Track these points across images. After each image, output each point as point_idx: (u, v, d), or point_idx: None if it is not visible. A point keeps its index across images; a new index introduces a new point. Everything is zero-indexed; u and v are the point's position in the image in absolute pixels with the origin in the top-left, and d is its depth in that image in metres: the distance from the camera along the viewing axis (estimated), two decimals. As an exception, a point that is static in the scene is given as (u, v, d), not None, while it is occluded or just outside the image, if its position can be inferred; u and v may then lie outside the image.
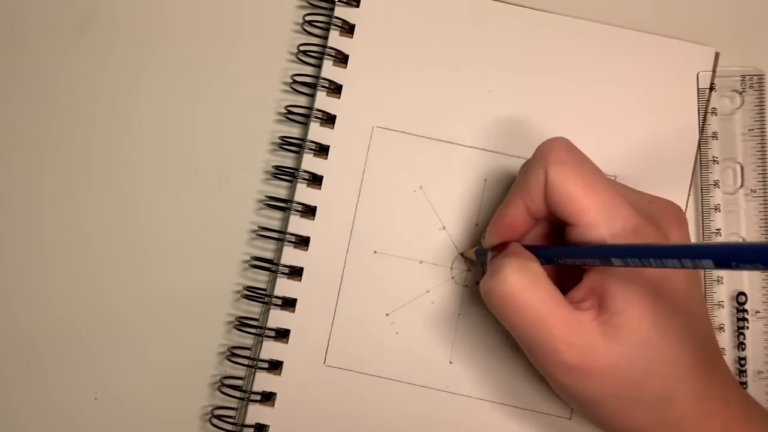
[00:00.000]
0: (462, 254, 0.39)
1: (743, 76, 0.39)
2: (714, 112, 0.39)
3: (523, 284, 0.30)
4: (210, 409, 0.40)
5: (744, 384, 0.38)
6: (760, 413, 0.32)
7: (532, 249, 0.33)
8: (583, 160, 0.31)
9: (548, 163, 0.31)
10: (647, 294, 0.29)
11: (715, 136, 0.39)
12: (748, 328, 0.38)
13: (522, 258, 0.31)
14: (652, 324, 0.29)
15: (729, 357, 0.38)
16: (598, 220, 0.30)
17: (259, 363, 0.39)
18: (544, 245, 0.34)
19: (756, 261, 0.22)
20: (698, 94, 0.39)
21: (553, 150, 0.31)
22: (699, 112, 0.39)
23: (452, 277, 0.39)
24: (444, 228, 0.40)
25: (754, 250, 0.22)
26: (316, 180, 0.40)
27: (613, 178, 0.39)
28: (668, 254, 0.25)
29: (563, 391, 0.32)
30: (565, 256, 0.31)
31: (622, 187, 0.32)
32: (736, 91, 0.39)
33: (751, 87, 0.39)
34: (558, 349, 0.29)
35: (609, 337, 0.29)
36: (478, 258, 0.38)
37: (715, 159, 0.39)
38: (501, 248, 0.33)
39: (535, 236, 0.35)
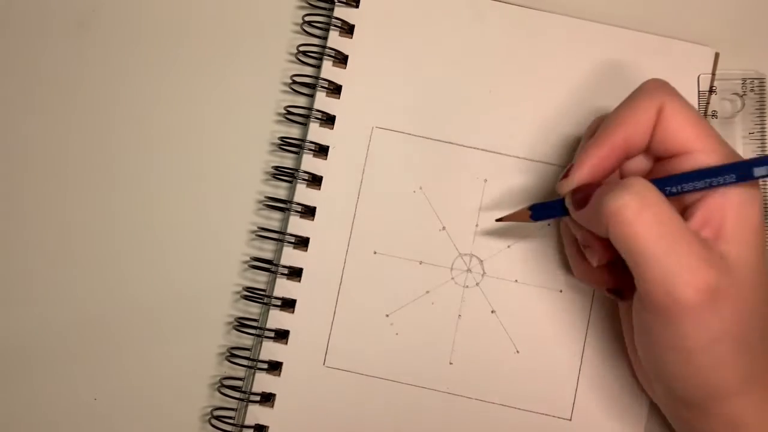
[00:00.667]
0: (501, 219, 0.37)
1: (744, 80, 0.39)
2: (714, 114, 0.39)
3: (659, 198, 0.29)
4: (210, 409, 0.40)
5: None
6: None
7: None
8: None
9: (665, 94, 0.31)
10: (757, 225, 0.30)
11: (715, 138, 0.39)
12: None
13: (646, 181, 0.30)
14: (760, 256, 0.30)
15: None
16: (716, 144, 0.31)
17: (259, 364, 0.39)
18: (658, 178, 0.32)
19: None
20: (698, 96, 0.39)
21: (667, 84, 0.32)
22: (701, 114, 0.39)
23: (452, 278, 0.39)
24: (444, 228, 0.40)
25: None
26: (315, 180, 0.40)
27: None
28: None
29: (678, 328, 0.30)
30: (694, 179, 0.30)
31: None
32: (736, 94, 0.39)
33: (751, 90, 0.39)
34: (695, 266, 0.28)
35: (732, 264, 0.29)
36: (537, 216, 0.35)
37: (715, 161, 0.39)
38: (585, 191, 0.32)
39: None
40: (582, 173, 0.32)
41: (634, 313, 0.32)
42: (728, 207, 0.30)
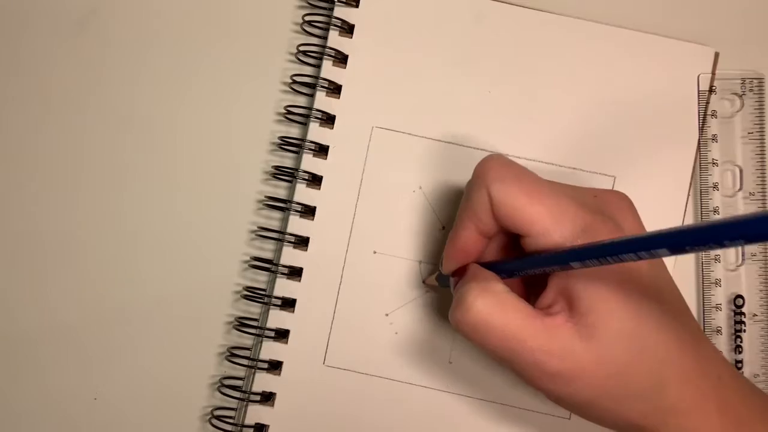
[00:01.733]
0: (424, 282, 0.40)
1: (743, 80, 0.39)
2: (714, 114, 0.39)
3: (489, 308, 0.30)
4: (210, 409, 0.40)
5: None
6: (753, 388, 0.32)
7: (492, 266, 0.32)
8: (521, 171, 0.32)
9: (489, 183, 0.31)
10: (613, 287, 0.29)
11: (714, 138, 0.39)
12: (745, 331, 0.38)
13: (483, 281, 0.31)
14: (624, 315, 0.29)
15: (726, 359, 0.38)
16: (548, 227, 0.30)
17: (259, 363, 0.39)
18: (503, 259, 0.34)
19: (708, 241, 0.22)
20: (698, 95, 0.39)
21: (491, 169, 0.31)
22: (699, 114, 0.39)
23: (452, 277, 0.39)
24: (444, 228, 0.40)
25: (705, 231, 0.22)
26: (315, 180, 0.40)
27: (611, 178, 0.39)
28: (623, 249, 0.25)
29: (556, 399, 0.32)
30: (525, 267, 0.31)
31: (565, 188, 0.32)
32: (736, 94, 0.39)
33: (750, 90, 0.39)
34: (538, 360, 0.30)
35: (585, 337, 0.29)
36: (441, 283, 0.38)
37: (715, 161, 0.39)
38: (461, 271, 0.33)
39: (494, 250, 0.34)
40: (449, 266, 0.34)
41: None
42: (575, 280, 0.30)
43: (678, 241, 0.23)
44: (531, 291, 0.33)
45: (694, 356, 0.30)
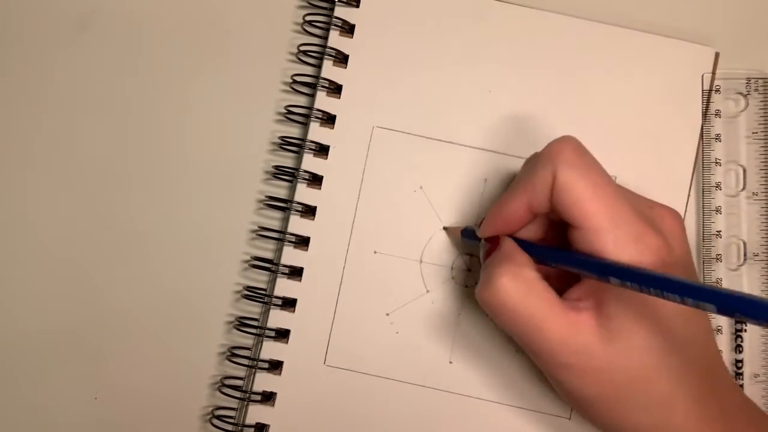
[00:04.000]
0: (445, 228, 0.39)
1: (748, 79, 0.39)
2: (718, 114, 0.39)
3: (518, 294, 0.30)
4: (210, 409, 0.40)
5: (740, 387, 0.38)
6: (763, 419, 0.32)
7: (528, 246, 0.32)
8: (592, 162, 0.31)
9: (557, 165, 0.30)
10: (645, 300, 0.29)
11: (718, 137, 0.39)
12: (745, 330, 0.38)
13: (515, 264, 0.31)
14: (650, 330, 0.29)
15: (726, 360, 0.38)
16: (603, 226, 0.29)
17: (260, 363, 0.39)
18: (541, 245, 0.33)
19: (763, 317, 0.22)
20: (702, 95, 0.39)
21: (563, 151, 0.30)
22: (700, 114, 0.39)
23: (452, 277, 0.39)
24: (445, 228, 0.40)
25: (762, 306, 0.22)
26: (316, 180, 0.40)
27: (613, 179, 0.39)
28: (671, 288, 0.25)
29: (562, 389, 0.32)
30: (562, 262, 0.31)
31: (626, 192, 0.32)
32: (740, 93, 0.39)
33: (755, 90, 0.39)
34: (554, 350, 0.30)
35: (605, 340, 0.29)
36: (464, 237, 0.37)
37: (718, 161, 0.39)
38: (495, 240, 0.33)
39: (533, 227, 0.34)
40: (488, 231, 0.34)
41: None
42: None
43: (731, 306, 0.23)
44: (563, 279, 0.33)
45: (707, 382, 0.30)
